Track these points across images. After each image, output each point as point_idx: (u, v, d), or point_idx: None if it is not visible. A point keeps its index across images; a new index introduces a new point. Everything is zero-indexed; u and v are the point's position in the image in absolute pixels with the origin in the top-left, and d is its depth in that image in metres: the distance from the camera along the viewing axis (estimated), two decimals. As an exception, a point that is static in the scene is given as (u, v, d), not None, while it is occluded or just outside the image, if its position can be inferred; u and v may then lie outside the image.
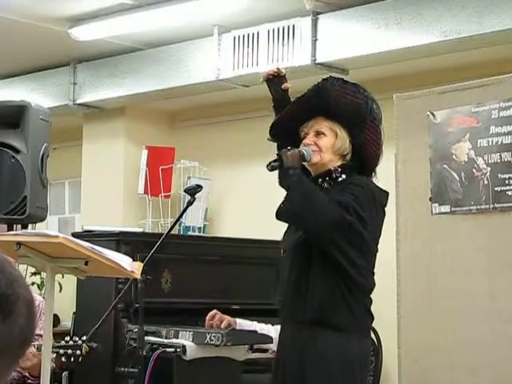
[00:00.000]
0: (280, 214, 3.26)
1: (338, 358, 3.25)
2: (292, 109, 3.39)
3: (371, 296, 3.44)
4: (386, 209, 3.46)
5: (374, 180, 3.46)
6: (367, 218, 3.25)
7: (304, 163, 3.32)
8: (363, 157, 3.37)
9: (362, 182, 3.32)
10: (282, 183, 3.32)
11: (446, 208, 4.58)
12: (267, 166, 3.28)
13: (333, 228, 3.18)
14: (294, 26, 6.12)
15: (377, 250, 3.41)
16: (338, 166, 3.35)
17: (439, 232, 4.60)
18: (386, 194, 3.44)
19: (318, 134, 3.35)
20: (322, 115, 3.34)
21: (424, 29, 5.56)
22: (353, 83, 3.44)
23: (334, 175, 3.34)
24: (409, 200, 4.73)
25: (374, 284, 3.42)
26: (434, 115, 4.65)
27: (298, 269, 3.34)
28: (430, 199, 4.62)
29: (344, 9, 5.93)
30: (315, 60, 6.05)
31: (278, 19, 6.18)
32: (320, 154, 3.33)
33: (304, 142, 3.36)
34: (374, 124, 3.36)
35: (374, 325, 3.59)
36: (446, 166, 4.58)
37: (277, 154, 3.29)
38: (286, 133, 3.44)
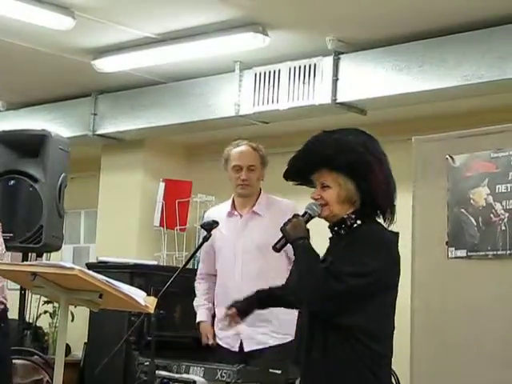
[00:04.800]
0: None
1: None
2: (293, 163, 3.41)
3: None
4: (400, 250, 3.43)
5: (392, 219, 3.41)
6: (374, 268, 3.19)
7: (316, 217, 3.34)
8: (374, 200, 3.33)
9: (369, 233, 3.29)
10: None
11: (462, 252, 4.56)
12: (273, 247, 3.33)
13: (322, 302, 3.17)
14: (315, 65, 6.15)
15: (394, 293, 3.35)
16: (351, 213, 3.33)
17: (455, 276, 4.58)
18: (397, 234, 3.39)
19: (323, 186, 3.35)
20: (324, 167, 3.35)
21: (445, 72, 5.56)
22: (351, 130, 3.42)
23: (349, 222, 3.33)
24: (425, 243, 4.71)
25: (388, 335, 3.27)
26: (452, 159, 4.64)
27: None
28: (447, 243, 4.61)
29: (366, 50, 5.96)
30: (335, 99, 6.06)
31: (299, 57, 6.21)
32: (329, 208, 3.33)
33: (311, 196, 3.37)
34: (378, 166, 3.32)
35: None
36: (463, 210, 4.57)
37: (281, 229, 3.32)
38: (301, 177, 3.45)
